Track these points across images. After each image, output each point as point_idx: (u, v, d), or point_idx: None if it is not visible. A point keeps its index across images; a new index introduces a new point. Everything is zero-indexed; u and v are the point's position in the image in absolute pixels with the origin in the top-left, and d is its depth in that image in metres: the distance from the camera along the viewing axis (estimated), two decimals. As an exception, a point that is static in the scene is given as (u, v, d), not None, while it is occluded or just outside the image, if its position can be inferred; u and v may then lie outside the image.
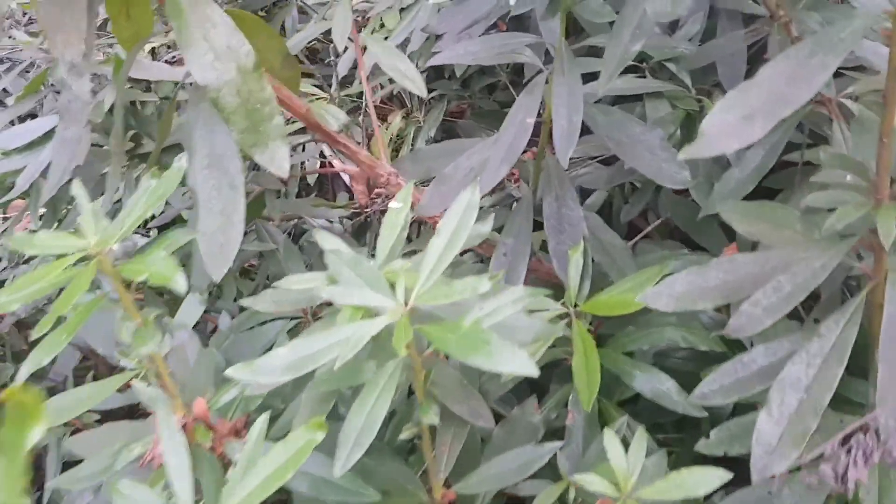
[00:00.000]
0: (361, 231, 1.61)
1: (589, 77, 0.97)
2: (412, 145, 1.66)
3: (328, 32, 2.10)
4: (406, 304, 0.67)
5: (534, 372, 0.60)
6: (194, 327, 1.43)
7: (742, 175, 0.92)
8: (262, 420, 0.66)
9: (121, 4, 0.94)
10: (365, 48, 1.04)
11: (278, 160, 0.81)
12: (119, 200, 1.09)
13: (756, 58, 1.02)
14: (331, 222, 1.52)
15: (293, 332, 1.06)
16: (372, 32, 1.70)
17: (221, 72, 0.78)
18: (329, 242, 0.77)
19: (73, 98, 0.78)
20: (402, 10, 1.72)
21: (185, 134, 0.87)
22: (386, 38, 1.66)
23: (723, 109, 0.55)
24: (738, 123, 0.54)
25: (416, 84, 0.99)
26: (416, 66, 1.74)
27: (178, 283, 0.59)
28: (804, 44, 0.57)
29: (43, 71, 1.25)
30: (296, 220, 1.57)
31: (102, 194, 1.25)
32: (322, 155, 1.92)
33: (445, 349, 0.63)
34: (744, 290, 0.72)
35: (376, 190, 1.05)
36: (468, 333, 0.63)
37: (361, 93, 1.78)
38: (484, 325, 0.69)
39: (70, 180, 1.16)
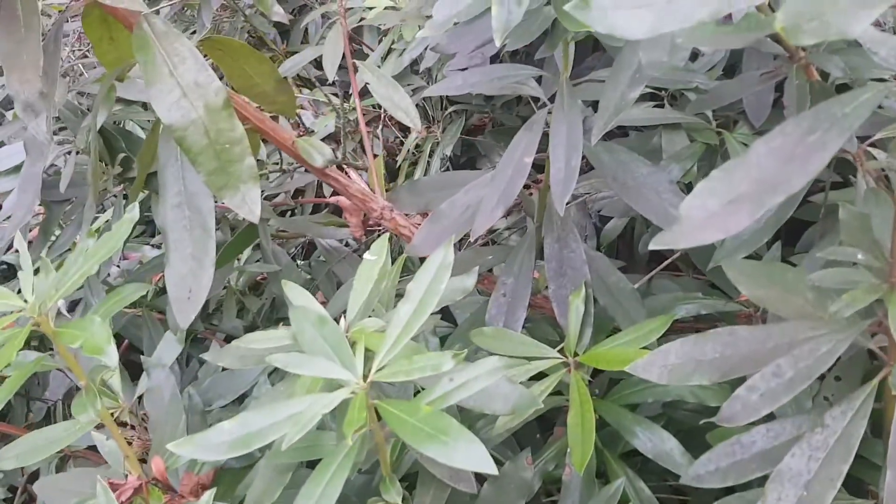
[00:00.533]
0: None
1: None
2: (428, 161, 1.60)
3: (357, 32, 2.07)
4: (365, 377, 0.62)
5: (491, 469, 0.54)
6: (194, 341, 1.41)
7: (757, 225, 0.84)
8: (207, 498, 0.61)
9: (102, 29, 0.91)
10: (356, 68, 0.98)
11: (249, 203, 0.76)
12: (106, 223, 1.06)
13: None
14: (341, 242, 1.48)
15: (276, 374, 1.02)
16: (391, 45, 1.64)
17: (187, 110, 0.74)
18: (297, 296, 0.72)
19: (33, 137, 0.75)
20: (427, 18, 1.66)
21: (158, 170, 0.83)
22: (403, 52, 1.61)
23: (705, 193, 0.48)
24: (721, 211, 0.47)
25: (408, 115, 0.93)
26: (433, 80, 1.69)
27: (109, 356, 0.54)
28: (803, 118, 0.50)
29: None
30: (306, 238, 1.53)
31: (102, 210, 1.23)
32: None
33: (401, 434, 0.57)
34: (742, 368, 0.65)
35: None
36: (426, 419, 0.57)
37: (376, 104, 1.73)
38: (454, 399, 0.64)
39: (67, 200, 1.14)
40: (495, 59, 1.45)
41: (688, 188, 0.97)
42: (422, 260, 1.03)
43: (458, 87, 0.93)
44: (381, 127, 1.77)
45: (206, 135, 0.74)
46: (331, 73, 0.94)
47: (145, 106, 1.19)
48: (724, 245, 0.88)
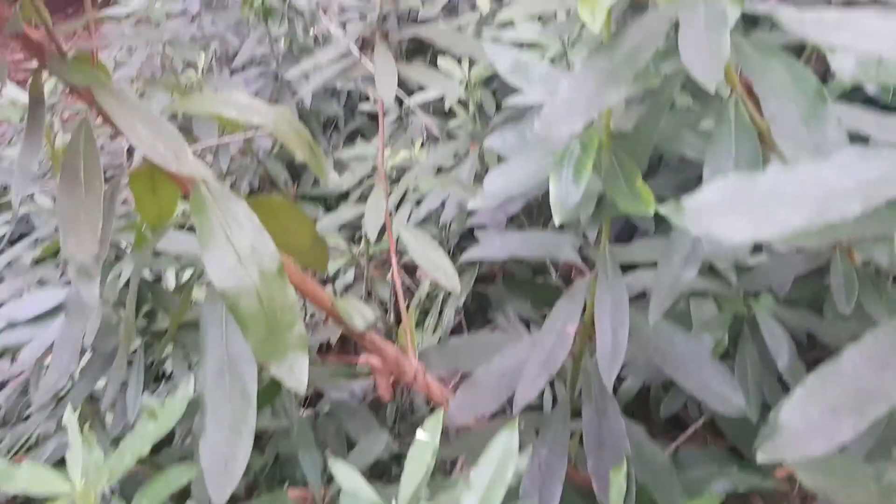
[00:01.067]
0: (381, 404, 1.53)
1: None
2: (440, 311, 1.59)
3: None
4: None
5: None
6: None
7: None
8: None
9: (147, 183, 0.91)
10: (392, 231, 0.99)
11: (297, 373, 0.74)
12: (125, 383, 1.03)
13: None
14: (350, 394, 1.44)
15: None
16: (404, 194, 1.67)
17: (242, 276, 0.73)
18: (347, 481, 0.69)
19: (80, 299, 0.74)
20: (437, 171, 1.71)
21: (200, 331, 0.81)
22: (419, 202, 1.64)
23: (803, 401, 0.47)
24: (823, 421, 0.46)
25: (448, 277, 0.93)
26: (450, 230, 1.72)
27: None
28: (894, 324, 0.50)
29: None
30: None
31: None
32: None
33: None
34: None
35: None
36: None
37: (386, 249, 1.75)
38: None
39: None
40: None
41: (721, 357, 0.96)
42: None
43: (496, 251, 0.94)
44: (390, 273, 1.77)
45: (259, 301, 0.73)
46: (373, 234, 0.94)
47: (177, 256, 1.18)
48: (770, 423, 0.86)
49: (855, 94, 0.91)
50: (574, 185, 0.71)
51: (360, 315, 0.86)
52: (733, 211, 0.46)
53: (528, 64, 0.86)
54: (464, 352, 1.03)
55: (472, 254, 0.95)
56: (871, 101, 0.80)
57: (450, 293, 1.65)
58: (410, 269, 1.97)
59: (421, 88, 1.65)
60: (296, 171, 2.21)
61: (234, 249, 0.74)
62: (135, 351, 1.04)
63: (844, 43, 0.53)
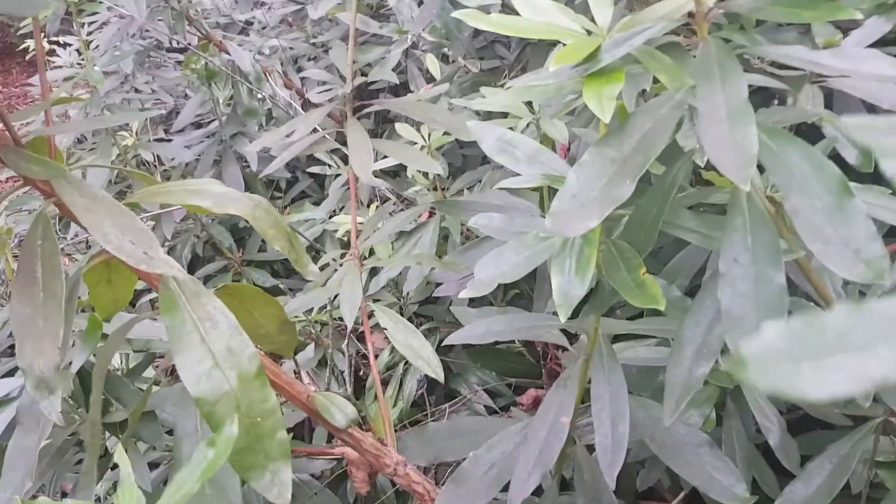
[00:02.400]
0: (341, 481, 1.44)
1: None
2: (399, 387, 1.53)
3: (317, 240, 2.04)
4: None
5: None
6: None
7: (808, 492, 0.81)
8: None
9: (101, 272, 0.83)
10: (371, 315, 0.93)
11: (279, 486, 0.67)
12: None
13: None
14: (313, 476, 1.35)
15: None
16: (362, 259, 1.61)
17: (219, 381, 0.66)
18: None
19: (36, 412, 0.65)
20: (394, 240, 1.66)
21: (174, 440, 0.73)
22: (377, 271, 1.58)
23: None
24: None
25: (430, 365, 0.88)
26: (408, 297, 1.66)
27: None
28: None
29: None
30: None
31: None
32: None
33: None
34: None
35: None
36: None
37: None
38: None
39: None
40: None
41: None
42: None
43: (481, 335, 0.89)
44: (345, 342, 1.70)
45: (237, 408, 0.66)
46: (350, 318, 0.88)
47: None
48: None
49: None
50: (578, 279, 0.67)
51: (341, 412, 0.80)
52: (801, 360, 0.42)
53: (514, 141, 0.83)
54: (445, 440, 0.97)
55: (455, 338, 0.89)
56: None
57: (409, 364, 1.59)
58: (362, 336, 1.90)
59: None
60: (240, 235, 2.13)
61: (210, 351, 0.67)
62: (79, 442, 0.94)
63: None
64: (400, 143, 1.01)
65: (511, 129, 1.18)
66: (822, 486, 0.81)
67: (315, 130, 1.00)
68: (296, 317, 1.67)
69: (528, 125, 1.25)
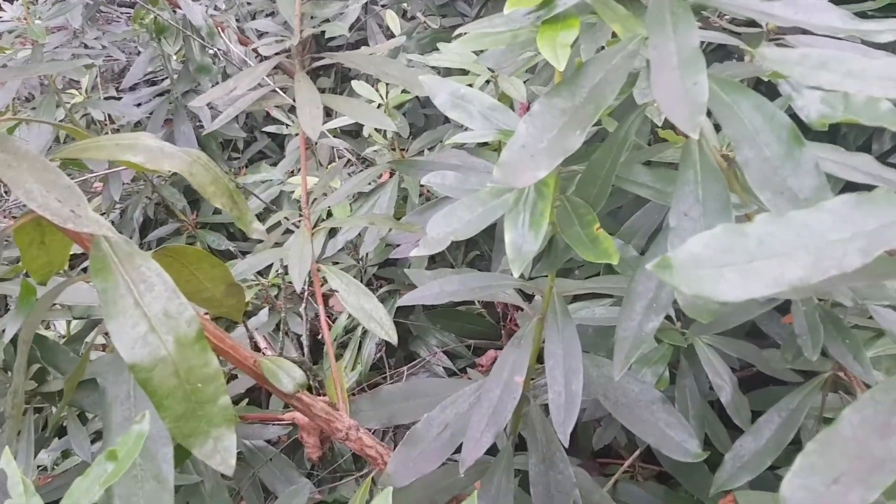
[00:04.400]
0: (298, 446, 1.43)
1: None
2: (358, 350, 1.51)
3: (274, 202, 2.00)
4: None
5: None
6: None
7: (757, 445, 0.81)
8: None
9: (34, 233, 0.80)
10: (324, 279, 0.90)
11: (222, 452, 0.65)
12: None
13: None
14: (268, 442, 1.34)
15: None
16: (318, 222, 1.58)
17: (156, 347, 0.63)
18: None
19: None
20: (353, 201, 1.63)
21: (103, 408, 0.70)
22: (335, 233, 1.55)
23: (805, 472, 0.43)
24: (827, 492, 0.42)
25: (383, 327, 0.86)
26: (367, 260, 1.63)
27: None
28: (891, 383, 0.47)
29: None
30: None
31: None
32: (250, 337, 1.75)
33: None
34: None
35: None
36: None
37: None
38: None
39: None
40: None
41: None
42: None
43: (435, 295, 0.87)
44: (303, 305, 1.67)
45: (175, 374, 0.64)
46: (298, 282, 0.86)
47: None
48: (724, 467, 0.83)
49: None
50: (531, 234, 0.65)
51: (289, 376, 0.77)
52: (723, 266, 0.41)
53: (468, 96, 0.80)
54: (399, 402, 0.95)
55: (408, 299, 0.87)
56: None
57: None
58: (324, 300, 1.88)
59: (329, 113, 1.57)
60: (194, 197, 2.07)
61: (146, 315, 0.64)
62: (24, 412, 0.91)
63: (832, 83, 0.50)
64: (352, 100, 0.98)
65: (469, 86, 1.15)
66: (771, 439, 0.81)
67: (261, 87, 0.96)
68: (249, 280, 1.64)
69: (486, 83, 1.22)
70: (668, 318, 1.06)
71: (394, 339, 0.85)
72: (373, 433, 1.02)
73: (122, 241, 0.67)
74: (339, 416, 0.88)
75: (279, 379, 0.78)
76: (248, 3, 2.32)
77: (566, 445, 0.75)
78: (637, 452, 1.21)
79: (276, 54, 1.01)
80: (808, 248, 0.41)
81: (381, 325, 0.85)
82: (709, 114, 0.63)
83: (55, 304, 1.05)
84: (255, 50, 1.91)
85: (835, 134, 1.38)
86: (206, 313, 0.98)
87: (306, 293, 1.72)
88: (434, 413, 0.88)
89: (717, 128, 0.69)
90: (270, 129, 1.91)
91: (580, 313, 1.04)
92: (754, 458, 0.81)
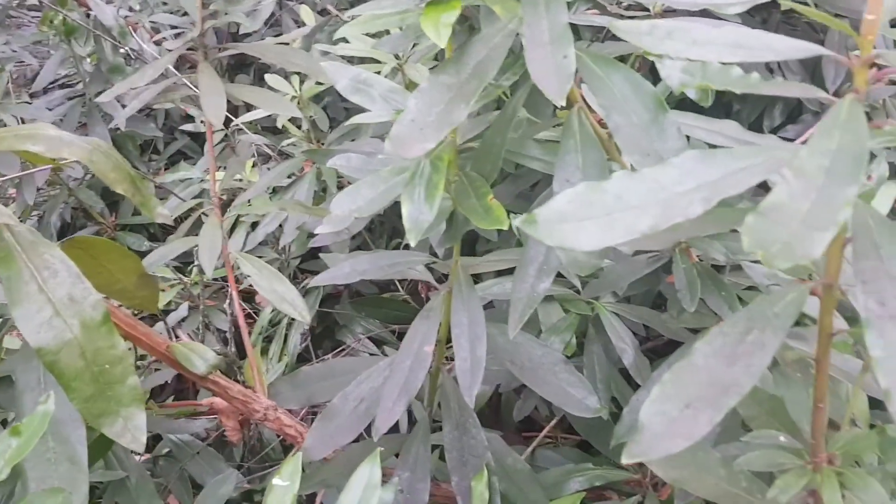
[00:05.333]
0: (226, 441, 1.43)
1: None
2: (285, 337, 1.52)
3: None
4: None
5: None
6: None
7: (654, 401, 0.86)
8: None
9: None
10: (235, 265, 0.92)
11: (132, 430, 0.67)
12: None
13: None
14: (197, 437, 1.34)
15: None
16: (238, 218, 1.59)
17: (61, 330, 0.65)
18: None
19: None
20: (272, 192, 1.64)
21: (15, 394, 0.71)
22: (255, 225, 1.56)
23: (661, 399, 0.48)
24: (681, 417, 0.47)
25: (297, 309, 0.88)
26: (290, 252, 1.65)
27: None
28: (737, 318, 0.52)
29: None
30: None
31: None
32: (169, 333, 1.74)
33: None
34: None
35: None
36: None
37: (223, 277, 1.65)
38: None
39: None
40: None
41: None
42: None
43: (346, 275, 0.90)
44: (227, 301, 1.67)
45: (82, 356, 0.65)
46: (209, 268, 0.87)
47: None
48: (623, 421, 0.89)
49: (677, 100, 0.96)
50: (427, 206, 0.69)
51: (201, 358, 0.79)
52: (584, 219, 0.46)
53: (369, 80, 0.83)
54: (317, 382, 0.98)
55: (320, 279, 0.90)
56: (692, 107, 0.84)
57: (293, 320, 1.58)
58: (249, 295, 1.88)
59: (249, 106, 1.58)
60: (113, 199, 2.04)
61: (50, 300, 0.65)
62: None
63: (677, 51, 0.55)
64: (259, 89, 1.00)
65: (378, 73, 1.18)
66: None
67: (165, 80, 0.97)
68: (170, 279, 1.63)
69: (393, 71, 1.25)
70: (576, 290, 1.12)
71: (307, 320, 0.88)
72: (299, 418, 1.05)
73: (26, 230, 0.68)
74: (255, 398, 0.90)
75: (192, 362, 0.79)
76: (165, 3, 2.30)
77: (472, 406, 0.79)
78: (554, 421, 1.26)
79: (188, 49, 1.02)
80: (658, 200, 0.46)
81: (293, 306, 0.88)
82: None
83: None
84: (168, 48, 1.90)
85: (728, 111, 1.46)
86: (120, 305, 0.99)
87: (230, 291, 1.72)
88: (350, 388, 0.91)
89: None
90: (187, 127, 1.90)
91: (493, 289, 1.08)
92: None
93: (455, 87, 0.63)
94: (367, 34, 1.15)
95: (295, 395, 0.97)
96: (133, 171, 0.73)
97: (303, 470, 0.90)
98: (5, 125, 2.10)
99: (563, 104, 0.55)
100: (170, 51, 1.03)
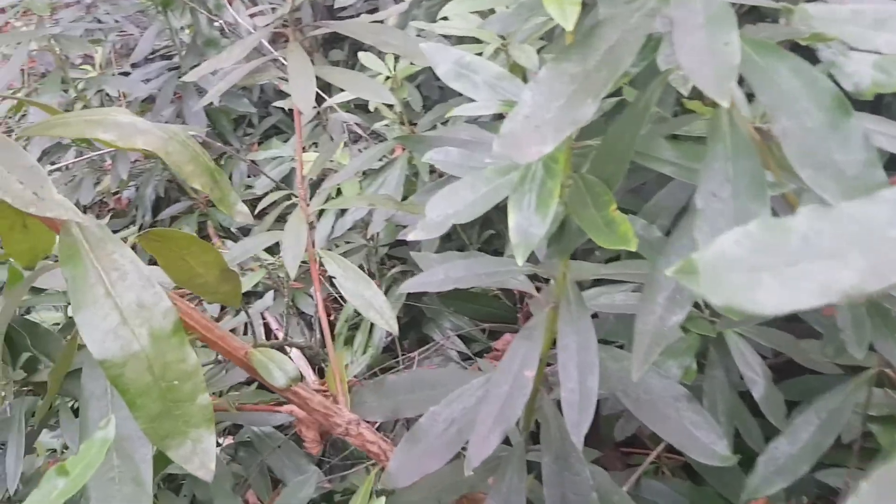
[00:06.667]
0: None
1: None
2: (369, 333, 1.45)
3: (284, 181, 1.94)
4: None
5: None
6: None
7: (793, 449, 0.74)
8: None
9: (13, 215, 0.74)
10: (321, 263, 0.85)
11: (201, 455, 0.60)
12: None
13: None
14: (277, 428, 1.29)
15: None
16: (327, 200, 1.52)
17: (128, 340, 0.58)
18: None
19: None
20: (362, 175, 1.57)
21: (80, 404, 0.65)
22: (344, 212, 1.49)
23: None
24: None
25: (383, 317, 0.80)
26: (378, 239, 1.57)
27: None
28: None
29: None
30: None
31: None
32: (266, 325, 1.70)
33: None
34: None
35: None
36: None
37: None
38: None
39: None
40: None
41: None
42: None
43: (439, 282, 0.81)
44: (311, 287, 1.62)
45: (149, 371, 0.58)
46: (293, 267, 0.80)
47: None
48: (757, 471, 0.77)
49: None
50: (538, 216, 0.59)
51: (281, 370, 0.72)
52: (760, 269, 0.34)
53: (473, 65, 0.73)
54: (404, 394, 0.90)
55: (410, 286, 0.81)
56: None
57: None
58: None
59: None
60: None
61: (117, 306, 0.58)
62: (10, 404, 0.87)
63: (891, 45, 0.42)
64: (349, 71, 0.91)
65: (479, 55, 1.08)
66: (808, 442, 0.74)
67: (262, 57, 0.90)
68: (261, 259, 1.59)
69: (497, 52, 1.14)
70: (695, 305, 0.99)
71: (394, 329, 0.79)
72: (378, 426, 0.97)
73: (95, 227, 0.62)
74: (337, 411, 0.82)
75: (270, 373, 0.72)
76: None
77: (580, 447, 0.69)
78: (662, 445, 1.14)
79: (282, 25, 0.94)
80: (863, 248, 0.33)
81: (380, 313, 0.79)
82: (740, 81, 0.56)
83: (47, 290, 1.01)
84: (260, 24, 1.85)
85: (878, 105, 1.28)
86: (200, 301, 0.93)
87: (318, 292, 1.67)
88: (439, 408, 0.82)
89: (750, 98, 0.62)
90: (281, 103, 1.85)
91: (599, 300, 0.97)
92: (790, 462, 0.74)
93: (580, 78, 0.52)
94: (473, 12, 1.05)
95: (380, 406, 0.89)
96: (212, 165, 0.66)
97: (388, 493, 0.83)
98: (108, 96, 2.11)
99: (727, 103, 0.43)
100: (260, 27, 0.96)
